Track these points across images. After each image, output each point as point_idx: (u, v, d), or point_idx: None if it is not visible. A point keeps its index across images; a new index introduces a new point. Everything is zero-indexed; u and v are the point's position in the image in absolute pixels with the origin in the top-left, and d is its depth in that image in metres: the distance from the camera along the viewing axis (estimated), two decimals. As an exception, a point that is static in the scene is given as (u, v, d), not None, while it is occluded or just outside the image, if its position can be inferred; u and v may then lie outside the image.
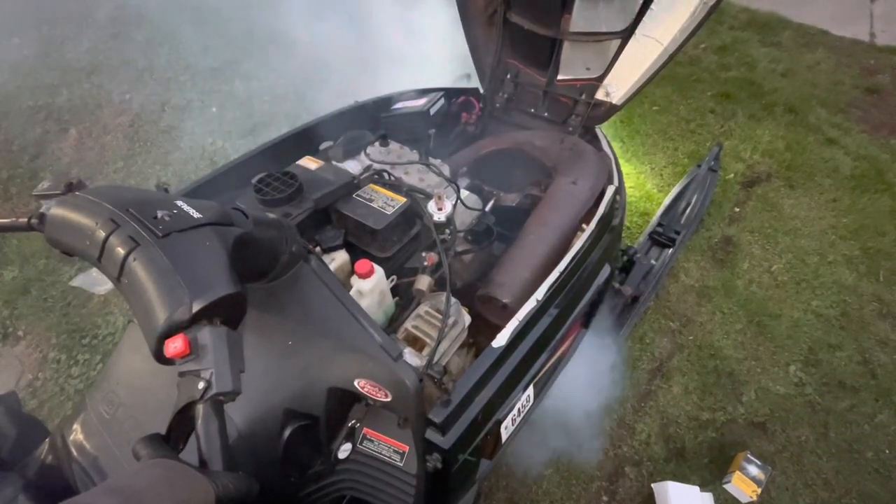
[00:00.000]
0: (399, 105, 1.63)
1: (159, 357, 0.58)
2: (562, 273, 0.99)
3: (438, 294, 1.07)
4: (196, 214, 0.68)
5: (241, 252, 0.71)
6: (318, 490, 0.88)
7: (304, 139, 1.44)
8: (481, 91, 1.83)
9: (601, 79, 1.62)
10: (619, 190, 1.32)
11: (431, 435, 0.75)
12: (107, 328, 1.84)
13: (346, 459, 0.84)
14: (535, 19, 1.63)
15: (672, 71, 2.63)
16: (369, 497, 0.85)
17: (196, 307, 0.57)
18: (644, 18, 1.46)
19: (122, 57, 2.80)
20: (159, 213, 0.66)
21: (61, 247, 0.71)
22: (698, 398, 1.51)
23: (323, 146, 1.48)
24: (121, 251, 0.60)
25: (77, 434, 0.83)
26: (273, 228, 0.83)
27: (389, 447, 0.84)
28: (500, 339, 0.85)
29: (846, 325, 1.66)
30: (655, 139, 2.28)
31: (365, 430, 0.86)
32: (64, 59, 2.75)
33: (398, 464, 0.82)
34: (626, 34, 1.51)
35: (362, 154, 1.36)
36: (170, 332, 0.56)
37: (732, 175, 2.11)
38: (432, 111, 1.57)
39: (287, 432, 0.78)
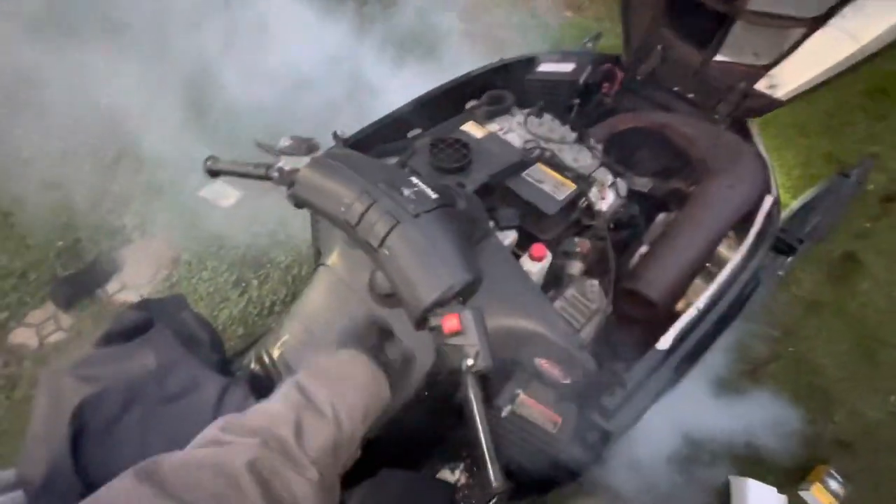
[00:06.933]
0: (544, 67, 1.58)
1: (420, 324, 0.67)
2: (721, 284, 1.01)
3: (583, 279, 1.13)
4: (432, 195, 0.75)
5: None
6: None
7: (451, 96, 1.45)
8: (623, 59, 1.73)
9: (769, 67, 1.49)
10: (777, 201, 1.27)
11: (598, 418, 0.84)
12: (232, 241, 2.03)
13: (505, 418, 0.95)
14: (711, -11, 1.48)
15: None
16: (514, 454, 0.97)
17: (454, 290, 0.65)
18: (845, 8, 1.31)
19: None
20: (405, 192, 0.73)
21: (307, 205, 0.80)
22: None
23: (469, 105, 1.49)
24: (382, 226, 0.68)
25: (280, 351, 0.98)
26: (473, 204, 0.89)
27: (544, 415, 0.94)
28: (664, 342, 0.91)
29: (963, 369, 1.62)
30: (790, 133, 2.12)
31: (522, 396, 0.96)
32: None
33: (552, 431, 0.93)
34: (816, 23, 1.36)
35: (515, 123, 1.36)
36: (431, 309, 0.65)
37: (872, 186, 1.96)
38: (581, 80, 1.52)
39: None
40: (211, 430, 0.50)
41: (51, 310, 1.94)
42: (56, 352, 1.84)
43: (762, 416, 1.53)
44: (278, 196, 2.15)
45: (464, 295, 0.69)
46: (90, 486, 0.64)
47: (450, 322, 0.61)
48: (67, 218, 2.12)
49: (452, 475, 1.18)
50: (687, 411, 1.56)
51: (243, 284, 1.93)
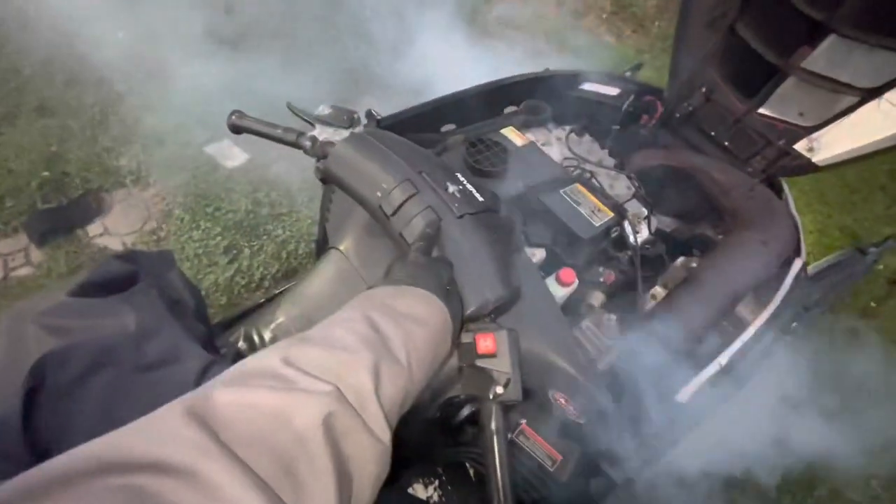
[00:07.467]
0: (588, 86, 1.53)
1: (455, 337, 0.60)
2: (746, 343, 0.97)
3: (602, 312, 1.08)
4: (479, 197, 0.68)
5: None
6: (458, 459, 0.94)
7: (490, 97, 1.39)
8: (665, 93, 1.69)
9: (811, 130, 1.46)
10: (805, 266, 1.24)
11: (605, 465, 0.78)
12: (230, 205, 1.92)
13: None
14: (766, 41, 1.45)
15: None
16: None
17: (490, 306, 0.59)
18: (902, 84, 1.29)
19: None
20: (450, 188, 0.66)
21: (337, 182, 0.72)
22: (769, 476, 1.52)
23: (507, 110, 1.43)
24: (421, 221, 0.61)
25: (273, 335, 0.90)
26: (509, 212, 0.83)
27: (543, 450, 0.87)
28: (684, 396, 0.85)
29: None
30: (810, 198, 2.11)
31: (524, 426, 0.89)
32: None
33: (548, 468, 0.86)
34: (870, 94, 1.34)
35: (554, 138, 1.31)
36: (464, 322, 0.58)
37: (882, 267, 1.96)
38: (624, 106, 1.47)
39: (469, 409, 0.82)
40: (270, 359, 0.39)
41: (23, 241, 1.81)
42: (20, 287, 1.71)
43: (740, 482, 1.50)
44: (288, 165, 2.04)
45: (497, 312, 0.62)
46: (36, 453, 0.55)
47: (485, 342, 0.55)
48: (59, 148, 1.99)
49: (426, 490, 1.11)
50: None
51: (234, 252, 1.83)
